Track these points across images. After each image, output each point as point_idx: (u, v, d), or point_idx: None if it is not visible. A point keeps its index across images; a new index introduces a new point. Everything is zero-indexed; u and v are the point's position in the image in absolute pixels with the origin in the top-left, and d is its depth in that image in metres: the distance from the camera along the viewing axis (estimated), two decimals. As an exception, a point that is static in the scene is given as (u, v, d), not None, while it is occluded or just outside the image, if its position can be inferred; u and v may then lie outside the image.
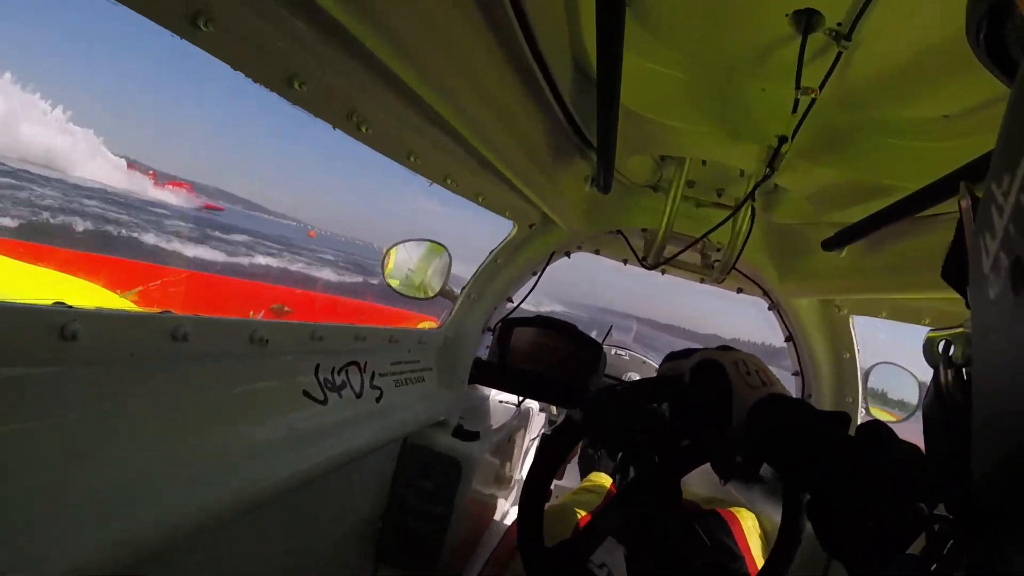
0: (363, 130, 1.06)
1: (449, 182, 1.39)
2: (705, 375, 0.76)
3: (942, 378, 0.46)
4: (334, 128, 1.05)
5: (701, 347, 0.83)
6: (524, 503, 0.84)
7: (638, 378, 2.51)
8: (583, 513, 1.52)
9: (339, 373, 1.32)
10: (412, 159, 1.23)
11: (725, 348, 0.83)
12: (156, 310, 0.86)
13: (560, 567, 0.79)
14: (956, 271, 0.39)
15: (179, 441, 0.86)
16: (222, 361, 0.97)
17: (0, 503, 0.62)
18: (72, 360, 0.70)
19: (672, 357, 0.88)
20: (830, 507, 0.61)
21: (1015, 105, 0.27)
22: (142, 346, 0.80)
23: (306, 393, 1.19)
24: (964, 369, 0.46)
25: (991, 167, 0.29)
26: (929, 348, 0.50)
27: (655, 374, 0.97)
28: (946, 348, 0.47)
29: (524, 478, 0.86)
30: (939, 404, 0.47)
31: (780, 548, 0.89)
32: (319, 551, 1.41)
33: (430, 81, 0.88)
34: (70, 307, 0.70)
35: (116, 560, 0.69)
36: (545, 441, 0.86)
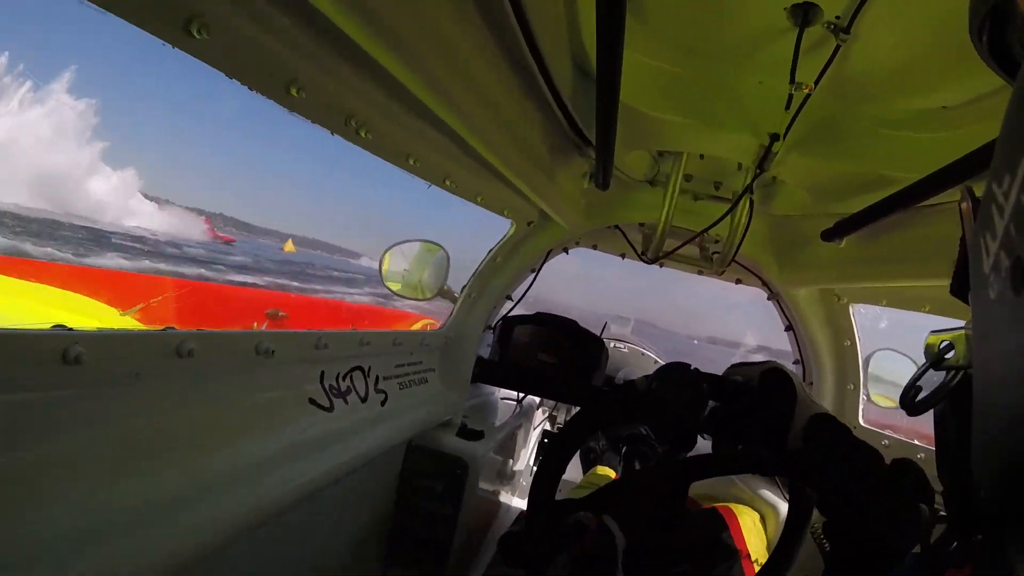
0: (362, 135, 1.06)
1: (448, 183, 1.39)
2: (774, 380, 0.82)
3: (943, 379, 0.47)
4: (332, 134, 1.04)
5: (766, 360, 0.87)
6: (542, 466, 0.85)
7: (637, 373, 2.50)
8: None
9: (344, 379, 1.32)
10: (412, 162, 1.23)
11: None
12: (159, 327, 0.85)
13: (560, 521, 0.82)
14: (964, 286, 0.39)
15: (189, 459, 0.86)
16: (229, 374, 0.97)
17: (11, 528, 0.61)
18: (77, 384, 0.70)
19: (736, 367, 0.91)
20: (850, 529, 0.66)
21: (1016, 105, 0.27)
22: (147, 365, 0.79)
23: (312, 401, 1.19)
24: (966, 370, 0.46)
25: (992, 167, 0.28)
26: (929, 350, 0.50)
27: (655, 365, 0.96)
28: (945, 350, 0.48)
29: (533, 467, 0.86)
30: (940, 404, 0.48)
31: (783, 548, 0.87)
32: (330, 556, 1.42)
33: (429, 83, 0.88)
34: (71, 330, 0.69)
35: None
36: (587, 410, 0.88)
